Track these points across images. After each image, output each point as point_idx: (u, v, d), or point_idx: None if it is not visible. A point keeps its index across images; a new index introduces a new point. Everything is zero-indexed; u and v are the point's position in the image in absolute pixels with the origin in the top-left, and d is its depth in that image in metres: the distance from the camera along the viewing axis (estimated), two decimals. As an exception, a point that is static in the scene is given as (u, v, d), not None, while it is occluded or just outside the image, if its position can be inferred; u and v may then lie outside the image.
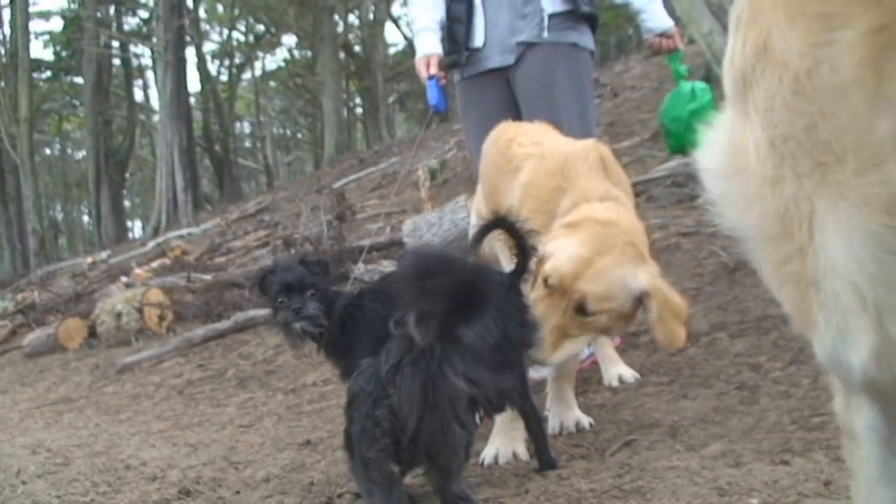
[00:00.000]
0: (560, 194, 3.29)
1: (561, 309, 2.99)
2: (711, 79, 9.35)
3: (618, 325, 3.11)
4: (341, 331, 2.85)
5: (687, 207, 7.65)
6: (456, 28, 4.65)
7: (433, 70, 4.58)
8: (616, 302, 2.99)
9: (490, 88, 4.64)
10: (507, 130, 3.89)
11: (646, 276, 3.00)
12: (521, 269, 2.90)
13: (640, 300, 3.01)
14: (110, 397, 6.98)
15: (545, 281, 3.02)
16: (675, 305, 3.03)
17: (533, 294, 3.07)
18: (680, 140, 4.57)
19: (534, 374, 3.96)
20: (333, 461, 3.57)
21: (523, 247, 2.88)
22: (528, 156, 3.54)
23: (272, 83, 50.24)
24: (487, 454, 3.15)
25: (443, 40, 4.69)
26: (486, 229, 2.95)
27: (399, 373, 2.35)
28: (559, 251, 3.01)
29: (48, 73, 40.30)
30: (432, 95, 4.65)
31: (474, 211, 4.31)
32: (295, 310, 2.78)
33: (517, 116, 4.40)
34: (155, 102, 37.99)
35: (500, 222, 2.89)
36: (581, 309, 2.99)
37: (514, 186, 3.53)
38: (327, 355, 2.98)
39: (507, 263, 3.16)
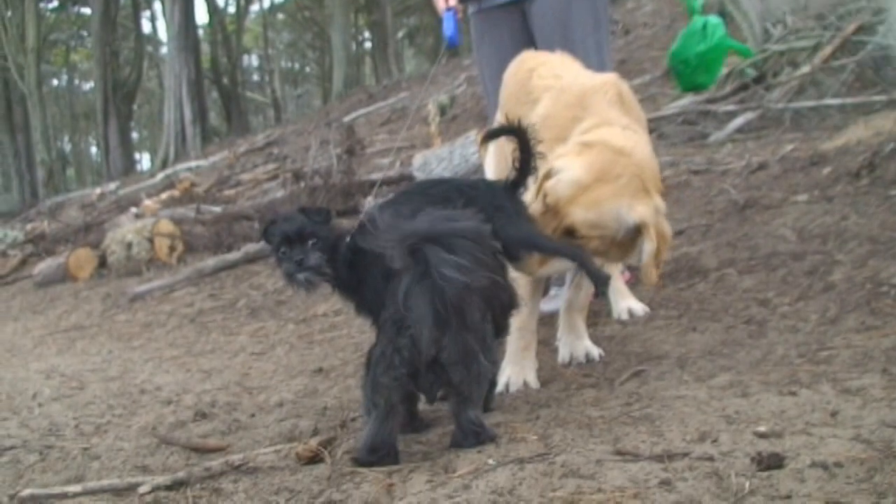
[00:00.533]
0: (578, 122, 3.27)
1: (552, 228, 3.00)
2: (725, 14, 9.29)
3: (613, 251, 3.08)
4: (350, 269, 2.87)
5: (698, 145, 7.65)
6: None
7: (452, 1, 4.53)
8: (606, 230, 2.97)
9: (505, 21, 4.58)
10: (527, 61, 3.86)
11: (644, 209, 2.98)
12: (518, 181, 2.92)
13: (639, 231, 3.01)
14: (122, 325, 7.05)
15: (544, 199, 3.02)
16: (662, 246, 3.04)
17: (532, 207, 3.07)
18: (689, 80, 4.55)
19: (545, 306, 4.01)
20: (346, 388, 3.63)
21: (527, 161, 2.90)
22: (548, 88, 3.51)
23: (280, 16, 49.81)
24: (499, 383, 3.19)
25: None
26: (501, 130, 2.98)
27: (409, 301, 2.37)
28: (563, 171, 3.01)
29: (55, 4, 39.94)
30: (448, 27, 4.59)
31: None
32: (297, 261, 2.79)
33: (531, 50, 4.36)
34: (163, 34, 37.70)
35: (515, 131, 2.90)
36: (570, 232, 3.00)
37: (532, 118, 3.51)
38: (340, 294, 3.01)
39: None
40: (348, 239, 2.89)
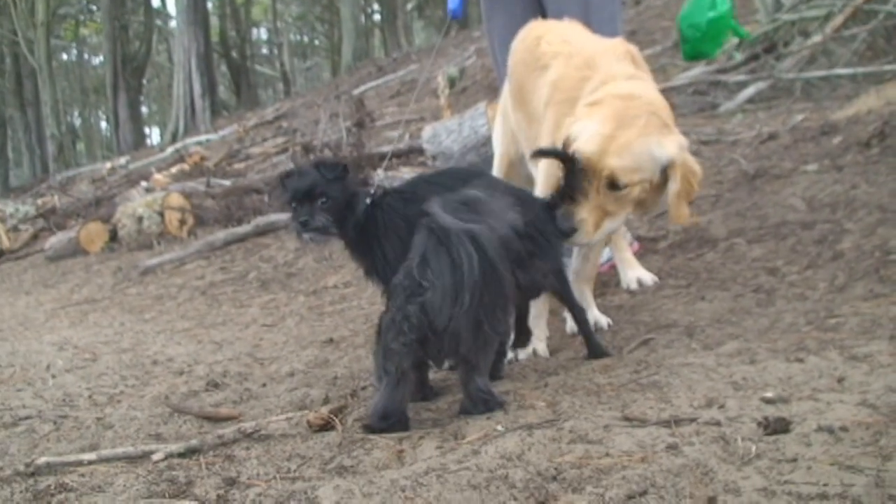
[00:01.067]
0: (587, 82, 3.29)
1: (594, 188, 3.02)
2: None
3: (651, 197, 3.12)
4: (364, 230, 2.88)
5: (708, 116, 7.63)
6: None
7: None
8: (645, 173, 3.02)
9: None
10: (534, 29, 3.86)
11: (672, 145, 3.01)
12: (559, 200, 2.98)
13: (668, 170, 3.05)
14: (134, 298, 7.09)
15: None
16: (692, 183, 3.06)
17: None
18: (696, 47, 4.53)
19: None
20: (356, 357, 3.66)
21: (572, 186, 2.95)
22: (557, 54, 3.52)
23: (289, -12, 49.64)
24: (508, 352, 3.21)
25: None
26: (551, 153, 3.04)
27: (426, 266, 2.39)
28: (581, 133, 3.03)
29: (64, -23, 39.88)
30: (452, 0, 4.60)
31: (499, 111, 4.30)
32: (302, 221, 2.80)
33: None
34: (172, 7, 37.64)
35: (564, 157, 2.94)
36: (613, 184, 3.02)
37: (541, 84, 3.52)
38: (351, 253, 3.02)
39: (541, 189, 3.25)
40: (367, 201, 2.90)
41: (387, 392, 2.44)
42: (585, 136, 3.00)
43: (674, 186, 3.02)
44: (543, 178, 3.48)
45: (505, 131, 4.11)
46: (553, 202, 3.01)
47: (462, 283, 2.33)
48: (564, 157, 2.96)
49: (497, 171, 4.17)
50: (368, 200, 2.90)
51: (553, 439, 2.11)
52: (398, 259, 2.64)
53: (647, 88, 3.19)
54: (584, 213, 3.02)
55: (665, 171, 3.02)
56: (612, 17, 4.39)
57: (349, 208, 2.84)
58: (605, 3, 4.35)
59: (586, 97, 3.21)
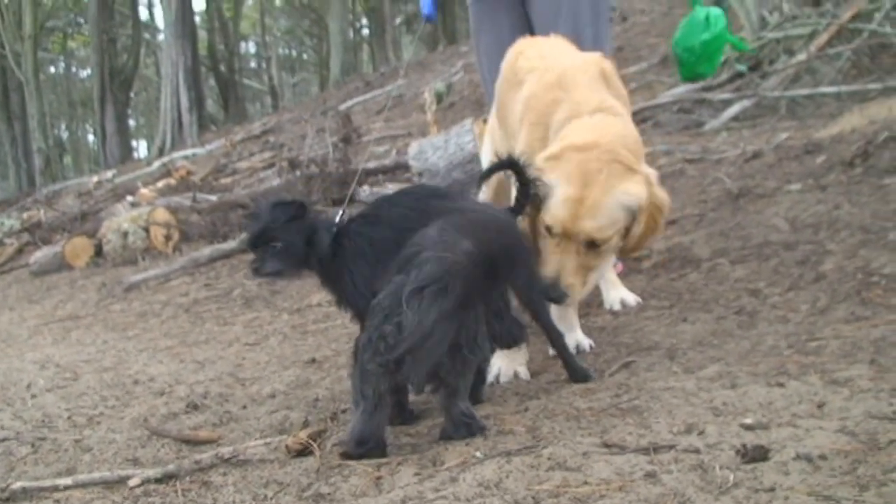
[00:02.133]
0: (557, 106, 3.31)
1: (574, 251, 3.06)
2: (723, 3, 9.29)
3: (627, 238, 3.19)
4: (332, 259, 2.89)
5: (693, 134, 7.65)
6: None
7: None
8: (619, 223, 3.07)
9: (503, 10, 4.58)
10: (518, 45, 3.89)
11: (638, 188, 3.06)
12: (519, 209, 2.99)
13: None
14: (117, 315, 7.05)
15: (549, 231, 3.09)
16: (657, 220, 3.14)
17: (543, 242, 3.15)
18: (692, 69, 4.55)
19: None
20: (338, 378, 3.64)
21: (527, 191, 2.96)
22: (532, 69, 3.55)
23: (277, 2, 49.71)
24: (489, 374, 3.20)
25: None
26: (497, 167, 3.02)
27: (420, 296, 2.37)
28: (551, 198, 3.07)
29: (52, -10, 39.84)
30: (425, 4, 4.65)
31: (488, 130, 4.30)
32: (254, 268, 2.85)
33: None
34: (160, 21, 37.66)
35: (510, 164, 2.95)
36: (591, 244, 3.06)
37: (517, 100, 3.55)
38: (322, 284, 3.03)
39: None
40: (333, 231, 2.90)
41: (364, 417, 2.43)
42: (555, 203, 3.04)
43: (637, 229, 3.10)
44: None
45: (493, 149, 4.12)
46: (514, 211, 3.01)
47: (435, 306, 2.32)
48: (510, 164, 2.97)
49: (484, 187, 4.18)
50: (334, 230, 2.90)
51: (531, 466, 2.10)
52: (367, 284, 2.64)
53: (609, 125, 3.19)
54: (571, 278, 3.06)
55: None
56: (597, 37, 4.40)
57: (310, 245, 2.85)
58: (588, 23, 4.37)
59: (555, 129, 3.24)
